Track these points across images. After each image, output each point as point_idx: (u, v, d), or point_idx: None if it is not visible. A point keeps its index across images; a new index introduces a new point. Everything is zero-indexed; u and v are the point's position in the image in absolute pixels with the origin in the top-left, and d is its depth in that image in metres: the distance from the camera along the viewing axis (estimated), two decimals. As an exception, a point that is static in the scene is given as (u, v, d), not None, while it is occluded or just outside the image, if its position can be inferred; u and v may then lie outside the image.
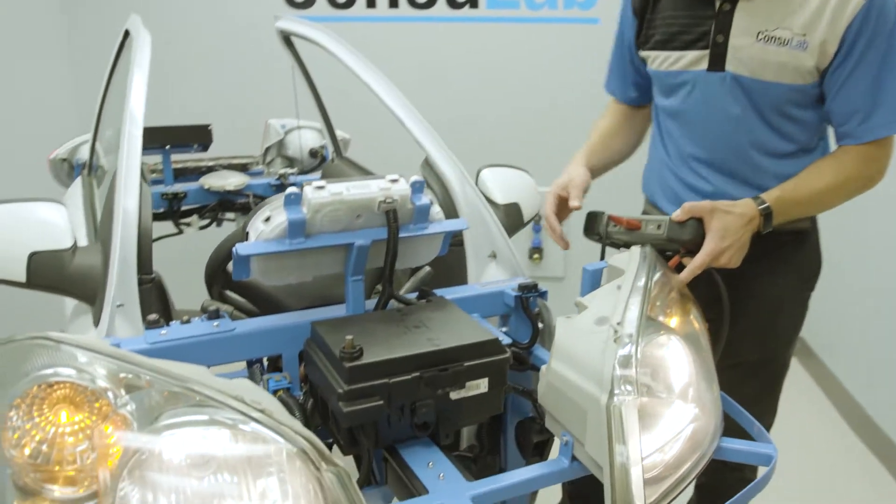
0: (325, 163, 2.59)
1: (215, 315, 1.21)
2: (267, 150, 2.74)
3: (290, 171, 2.47)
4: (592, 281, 1.31)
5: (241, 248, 1.12)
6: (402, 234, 1.20)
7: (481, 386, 1.08)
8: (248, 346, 1.19)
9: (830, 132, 1.53)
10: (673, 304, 1.21)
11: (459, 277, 1.56)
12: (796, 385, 3.38)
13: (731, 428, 1.20)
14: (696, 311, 1.23)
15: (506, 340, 1.27)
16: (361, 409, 0.99)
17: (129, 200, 1.32)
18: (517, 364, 1.34)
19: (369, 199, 1.17)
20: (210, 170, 2.57)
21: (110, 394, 0.85)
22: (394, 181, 1.20)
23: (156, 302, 1.36)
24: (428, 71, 3.55)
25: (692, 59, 1.48)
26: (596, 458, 0.97)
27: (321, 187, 1.15)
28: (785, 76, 1.40)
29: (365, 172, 2.27)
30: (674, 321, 1.19)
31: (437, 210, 1.27)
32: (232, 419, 0.81)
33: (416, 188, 1.21)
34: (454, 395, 1.06)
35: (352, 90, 1.68)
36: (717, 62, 1.45)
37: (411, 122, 1.64)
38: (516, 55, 3.52)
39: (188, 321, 1.20)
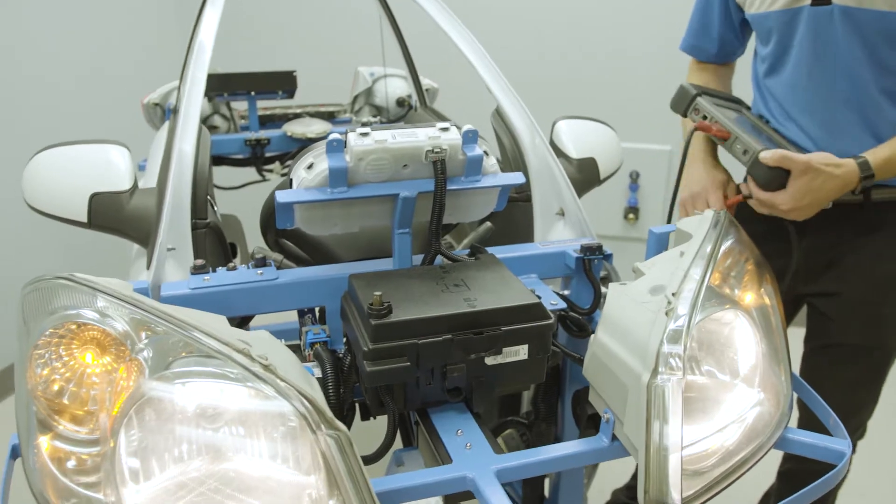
0: (410, 112, 2.53)
1: (261, 263, 1.18)
2: (355, 98, 2.72)
3: (373, 119, 2.43)
4: (658, 245, 1.20)
5: (280, 196, 1.08)
6: (450, 187, 1.13)
7: (520, 353, 1.01)
8: (291, 297, 1.17)
9: None
10: (746, 275, 1.09)
11: (525, 234, 1.48)
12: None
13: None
14: (771, 285, 1.11)
15: (560, 305, 1.19)
16: (386, 370, 0.94)
17: (186, 143, 1.31)
18: (577, 330, 1.26)
19: (416, 148, 1.10)
20: (297, 117, 2.57)
21: (129, 340, 0.84)
22: (444, 130, 1.12)
23: (212, 248, 1.35)
24: (517, 21, 3.43)
25: None
26: (633, 440, 0.89)
27: (365, 134, 1.09)
28: None
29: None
30: (743, 293, 1.07)
31: (492, 162, 1.19)
32: (234, 373, 0.78)
33: (469, 138, 1.13)
34: (490, 361, 0.99)
35: (443, 37, 1.60)
36: None
37: (484, 69, 1.56)
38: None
39: (234, 268, 1.18)
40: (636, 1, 3.29)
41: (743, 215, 1.47)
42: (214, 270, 1.17)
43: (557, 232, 1.44)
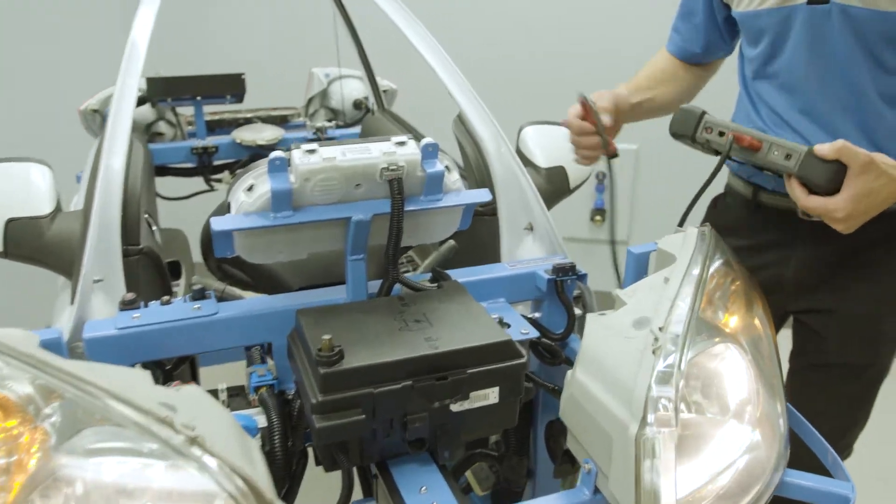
0: (367, 115, 2.41)
1: (200, 295, 1.06)
2: (310, 100, 2.59)
3: (327, 124, 2.31)
4: (637, 267, 1.10)
5: (216, 223, 0.96)
6: (409, 208, 1.02)
7: (490, 396, 0.90)
8: (232, 333, 1.04)
9: None
10: (734, 298, 1.00)
11: (491, 251, 1.37)
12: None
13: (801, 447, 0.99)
14: (762, 309, 1.02)
15: (532, 334, 1.08)
16: (338, 426, 0.82)
17: (115, 159, 1.18)
18: (549, 357, 1.15)
19: (369, 166, 0.98)
20: (247, 122, 2.43)
21: (32, 405, 0.72)
22: (400, 144, 1.01)
23: (148, 276, 1.22)
24: (479, 18, 3.32)
25: None
26: (620, 498, 0.79)
27: (312, 151, 0.97)
28: None
29: (405, 127, 2.08)
30: (733, 320, 0.97)
31: (454, 178, 1.07)
32: (152, 449, 0.65)
33: (428, 152, 1.02)
34: (456, 407, 0.88)
35: (401, 35, 1.49)
36: None
37: (444, 71, 1.44)
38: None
39: (168, 302, 1.05)
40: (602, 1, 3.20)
41: (725, 227, 1.38)
42: (147, 305, 1.04)
43: (526, 248, 1.33)
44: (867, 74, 1.20)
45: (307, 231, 1.03)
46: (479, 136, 1.37)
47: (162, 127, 2.39)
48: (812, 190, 1.13)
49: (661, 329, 0.84)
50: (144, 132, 2.36)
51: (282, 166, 0.96)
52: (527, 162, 1.49)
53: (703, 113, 1.24)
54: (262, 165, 0.99)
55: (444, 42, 1.51)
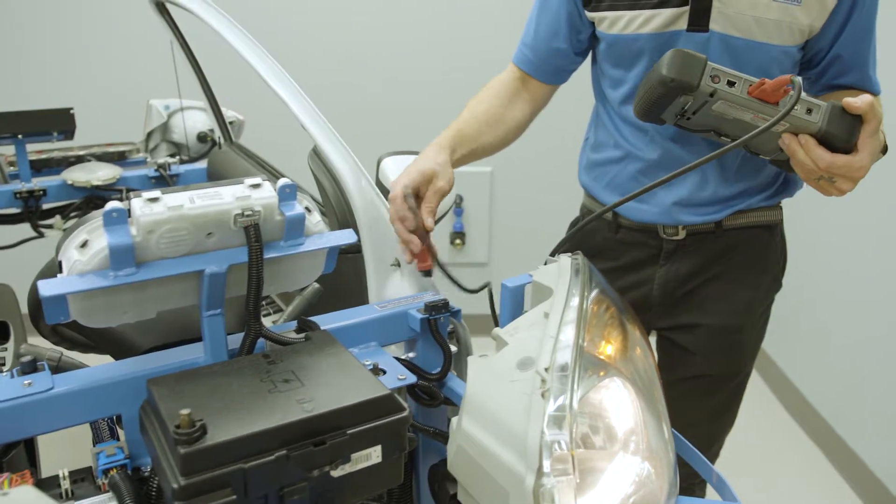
0: (214, 149, 2.28)
1: (31, 368, 0.92)
2: (149, 134, 2.42)
3: (170, 160, 2.15)
4: (514, 301, 1.07)
5: (44, 287, 0.83)
6: (268, 255, 0.94)
7: (373, 456, 0.83)
8: (73, 410, 0.91)
9: None
10: (612, 327, 0.98)
11: (358, 291, 1.31)
12: (751, 392, 3.24)
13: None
14: (638, 332, 1.01)
15: (409, 379, 1.02)
16: (205, 511, 0.73)
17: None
18: (427, 399, 1.10)
19: (222, 213, 0.89)
20: (80, 160, 2.23)
21: None
22: (255, 186, 0.93)
23: None
24: (330, 42, 3.24)
25: (667, 19, 1.23)
26: (521, 558, 0.74)
27: (154, 199, 0.87)
28: (778, 36, 1.20)
29: (257, 162, 1.97)
30: (614, 350, 0.95)
31: (316, 220, 1.00)
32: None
33: (286, 194, 0.94)
34: (337, 473, 0.81)
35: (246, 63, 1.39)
36: (699, 19, 1.20)
37: (295, 103, 1.36)
38: (450, 19, 3.23)
39: None
40: (450, 22, 3.21)
41: (590, 250, 1.38)
42: None
43: (394, 286, 1.27)
44: None
45: (155, 288, 0.92)
46: (336, 170, 1.31)
47: (-22, 169, 2.16)
48: (830, 147, 1.09)
49: (546, 370, 0.80)
50: None
51: (120, 218, 0.85)
52: (385, 191, 1.43)
53: (707, 59, 1.09)
54: (96, 218, 0.87)
55: (292, 69, 1.43)
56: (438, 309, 1.11)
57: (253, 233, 0.90)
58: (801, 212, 2.83)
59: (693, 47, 1.19)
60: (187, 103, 2.34)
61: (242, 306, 0.98)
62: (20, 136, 1.99)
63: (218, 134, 2.25)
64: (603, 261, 1.43)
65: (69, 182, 2.01)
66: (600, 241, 1.46)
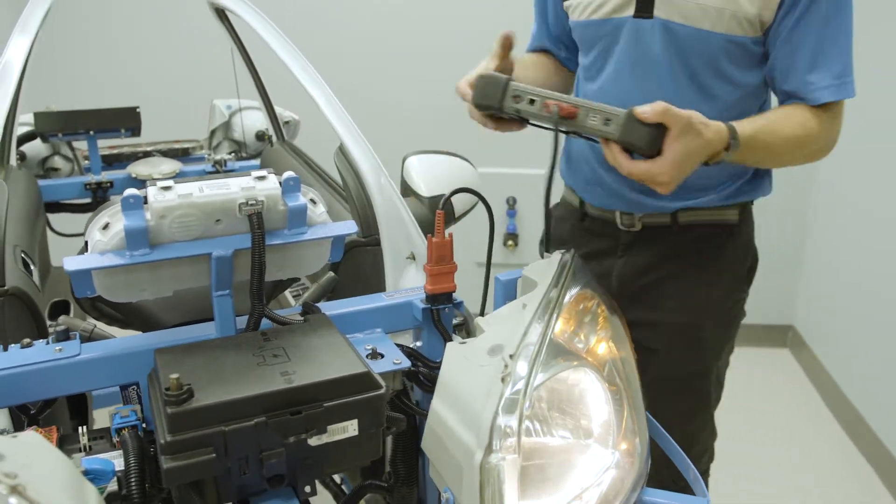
0: (266, 147, 2.39)
1: (63, 337, 1.03)
2: (213, 132, 2.56)
3: (227, 156, 2.28)
4: (506, 295, 1.12)
5: (69, 263, 0.94)
6: (272, 242, 1.02)
7: (349, 429, 0.89)
8: (96, 375, 1.01)
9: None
10: (593, 322, 1.02)
11: (376, 281, 1.37)
12: (784, 375, 3.19)
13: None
14: (622, 329, 1.04)
15: (403, 364, 1.08)
16: (187, 466, 0.81)
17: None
18: (430, 385, 1.15)
19: (228, 201, 0.98)
20: (147, 155, 2.38)
21: None
22: (261, 178, 1.01)
23: (15, 318, 1.18)
24: (370, 43, 3.35)
25: (617, 4, 1.25)
26: (470, 527, 0.79)
27: (167, 188, 0.96)
28: (721, 24, 1.19)
29: (303, 160, 2.07)
30: (593, 344, 0.99)
31: (319, 211, 1.08)
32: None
33: (290, 186, 1.02)
34: (314, 441, 0.88)
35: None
36: (645, 6, 1.22)
37: (326, 105, 1.45)
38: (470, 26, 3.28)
39: (29, 344, 1.02)
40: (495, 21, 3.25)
41: (558, 239, 1.41)
42: (6, 349, 1.01)
43: (409, 278, 1.34)
44: (691, 97, 1.25)
45: (169, 268, 1.01)
46: (359, 168, 1.38)
47: (57, 162, 2.34)
48: (632, 154, 1.10)
49: (511, 356, 0.85)
50: (39, 167, 2.30)
51: (136, 204, 0.95)
52: (411, 191, 1.50)
53: (509, 79, 1.13)
54: (117, 203, 0.97)
55: (327, 69, 1.52)
56: (440, 300, 1.17)
57: (256, 220, 0.98)
58: (839, 201, 2.77)
59: (640, 34, 1.23)
60: (247, 103, 2.47)
61: (269, 290, 1.06)
62: (91, 133, 2.15)
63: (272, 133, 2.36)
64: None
65: (133, 175, 2.15)
66: (568, 229, 1.49)
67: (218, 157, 2.25)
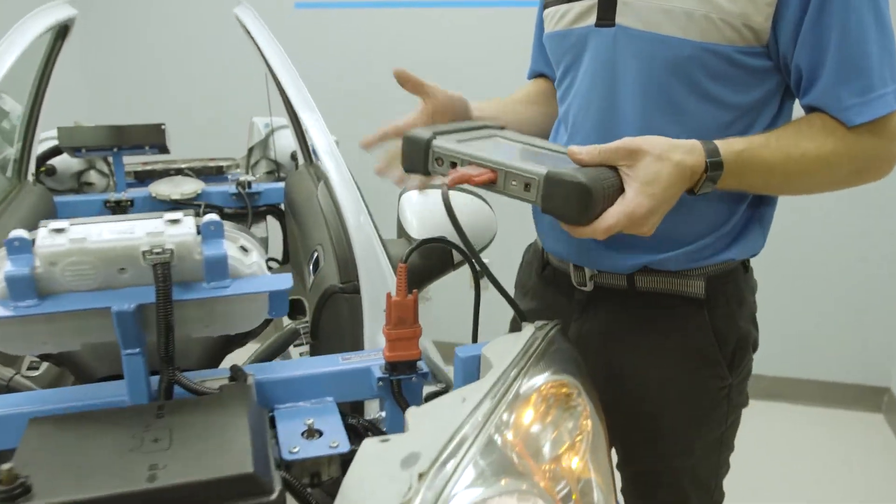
0: (290, 170, 2.28)
1: None
2: (251, 150, 2.46)
3: (251, 178, 2.16)
4: (466, 374, 0.92)
5: None
6: (185, 296, 0.86)
7: None
8: None
9: None
10: (570, 425, 0.81)
11: (353, 333, 1.20)
12: (878, 443, 2.83)
13: None
14: (603, 438, 0.83)
15: (341, 448, 0.90)
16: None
17: None
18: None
19: (130, 248, 0.83)
20: (179, 173, 2.30)
21: None
22: (174, 222, 0.86)
23: None
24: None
25: (580, 12, 1.06)
26: None
27: (60, 230, 0.83)
28: (693, 30, 0.95)
29: (327, 185, 1.93)
30: (571, 459, 0.79)
31: (251, 261, 0.92)
32: None
33: (210, 232, 0.86)
34: None
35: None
36: (606, 13, 1.02)
37: (317, 131, 1.30)
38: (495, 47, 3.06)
39: None
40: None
41: (521, 286, 1.21)
42: None
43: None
44: (664, 121, 1.01)
45: (69, 321, 0.87)
46: (340, 204, 1.22)
47: (92, 176, 2.29)
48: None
49: (421, 476, 0.66)
50: (73, 180, 2.26)
51: (22, 248, 0.82)
52: (404, 232, 1.32)
53: (431, 139, 0.95)
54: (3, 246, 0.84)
55: (327, 85, 1.37)
56: (403, 370, 0.99)
57: (160, 272, 0.83)
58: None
59: (602, 43, 1.03)
60: (283, 122, 2.36)
61: (207, 342, 0.92)
62: (115, 149, 2.08)
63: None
64: (529, 300, 1.24)
65: (153, 195, 2.07)
66: (533, 277, 1.27)
67: (242, 178, 2.14)
